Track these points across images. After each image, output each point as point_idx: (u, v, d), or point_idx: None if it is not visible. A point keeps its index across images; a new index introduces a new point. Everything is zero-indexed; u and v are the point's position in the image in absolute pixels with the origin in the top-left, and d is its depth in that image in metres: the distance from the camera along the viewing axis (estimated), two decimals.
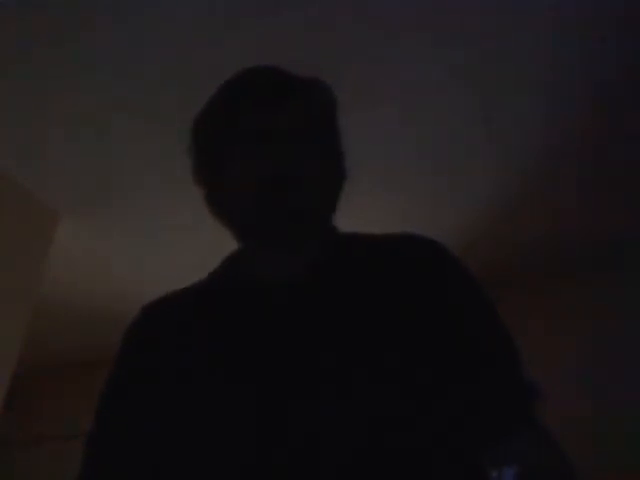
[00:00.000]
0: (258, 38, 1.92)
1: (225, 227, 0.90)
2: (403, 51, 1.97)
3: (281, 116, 0.85)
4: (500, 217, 2.67)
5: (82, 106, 2.12)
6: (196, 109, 2.15)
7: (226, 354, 0.79)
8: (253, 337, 0.80)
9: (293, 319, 0.80)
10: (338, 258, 0.86)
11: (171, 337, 0.85)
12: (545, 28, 1.91)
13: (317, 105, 0.90)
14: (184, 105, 2.05)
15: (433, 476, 0.72)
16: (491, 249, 2.79)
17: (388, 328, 0.77)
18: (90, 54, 1.95)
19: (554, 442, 0.78)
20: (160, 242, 2.77)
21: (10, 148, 2.27)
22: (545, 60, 2.01)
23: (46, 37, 1.89)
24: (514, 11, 1.86)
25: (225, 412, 0.75)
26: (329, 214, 0.90)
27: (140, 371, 0.85)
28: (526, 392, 0.80)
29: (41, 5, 1.81)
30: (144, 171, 2.40)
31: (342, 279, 0.83)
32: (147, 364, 0.85)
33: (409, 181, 2.46)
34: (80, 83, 2.04)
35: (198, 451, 0.75)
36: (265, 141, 0.84)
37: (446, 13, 1.86)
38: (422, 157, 2.36)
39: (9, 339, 2.27)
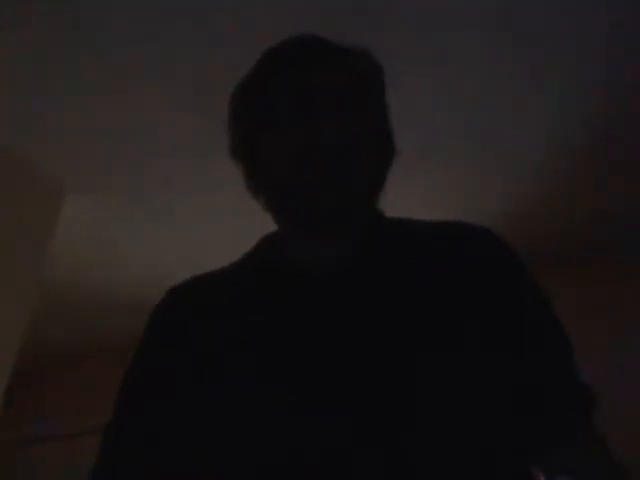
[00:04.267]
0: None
1: (264, 208, 0.89)
2: (436, 18, 1.95)
3: (322, 84, 0.85)
4: (547, 193, 2.64)
5: (97, 73, 2.11)
6: (211, 75, 2.15)
7: (260, 343, 0.78)
8: (289, 325, 0.78)
9: (332, 308, 0.78)
10: (385, 244, 0.85)
11: (202, 322, 0.84)
12: None
13: (361, 74, 0.89)
14: (200, 72, 2.13)
15: None
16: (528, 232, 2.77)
17: (435, 323, 0.75)
18: (92, 20, 1.94)
19: (611, 453, 0.77)
20: (177, 219, 2.75)
21: (11, 119, 2.25)
22: (600, 19, 1.97)
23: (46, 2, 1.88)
24: None
25: (257, 405, 0.74)
26: (374, 191, 0.88)
27: (166, 358, 0.84)
28: (584, 398, 0.79)
29: None
30: (159, 140, 2.37)
31: (388, 267, 0.82)
32: (174, 350, 0.84)
33: (443, 156, 2.46)
34: (86, 50, 2.03)
35: (223, 444, 0.75)
36: (304, 110, 0.83)
37: None
38: (454, 129, 2.35)
39: (10, 330, 2.25)
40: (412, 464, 0.67)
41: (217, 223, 2.72)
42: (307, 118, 0.82)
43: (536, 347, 0.79)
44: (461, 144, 2.37)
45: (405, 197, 2.41)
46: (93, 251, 2.90)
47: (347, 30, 1.94)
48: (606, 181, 2.56)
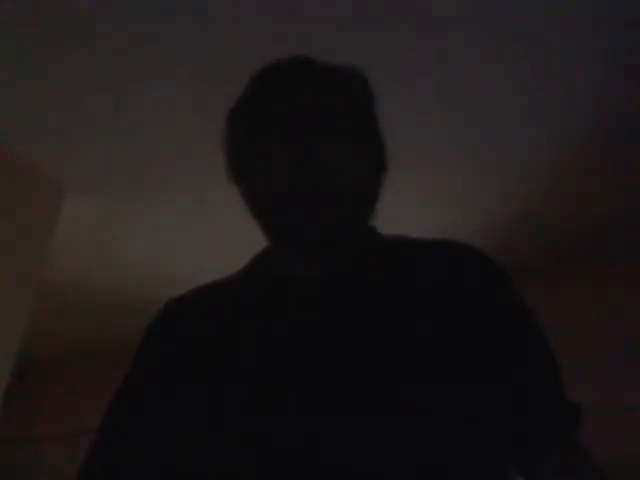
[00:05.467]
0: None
1: (257, 224, 0.90)
2: (436, 18, 1.94)
3: (309, 105, 0.86)
4: (547, 193, 2.63)
5: (97, 73, 2.11)
6: (211, 75, 2.14)
7: (258, 352, 0.80)
8: (284, 335, 0.80)
9: (326, 319, 0.80)
10: (378, 261, 0.86)
11: (202, 330, 0.86)
12: None
13: (349, 95, 0.90)
14: (200, 72, 2.12)
15: None
16: (525, 236, 2.76)
17: (421, 341, 0.76)
18: (92, 20, 1.93)
19: (598, 468, 0.80)
20: (177, 220, 2.74)
21: (10, 117, 2.24)
22: (600, 27, 1.96)
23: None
24: None
25: (256, 407, 0.75)
26: (364, 210, 0.89)
27: (161, 370, 0.85)
28: (569, 413, 0.82)
29: None
30: (159, 140, 2.37)
31: (381, 283, 0.83)
32: (169, 363, 0.85)
33: (442, 156, 2.44)
34: (86, 50, 2.02)
35: (223, 447, 0.75)
36: (291, 136, 0.84)
37: None
38: (455, 131, 2.34)
39: (10, 330, 2.24)
40: (405, 466, 0.68)
41: (217, 223, 2.70)
42: (295, 142, 0.82)
43: (524, 365, 0.81)
44: (461, 144, 2.36)
45: (405, 197, 2.40)
46: (93, 251, 2.89)
47: (347, 30, 1.97)
48: (606, 181, 2.55)
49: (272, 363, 0.78)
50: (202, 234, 2.79)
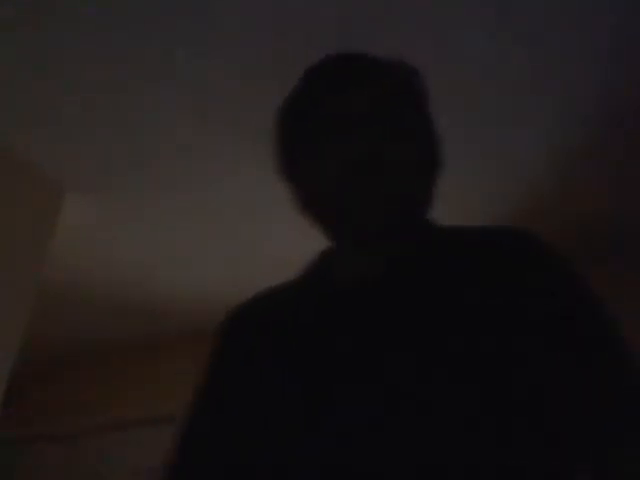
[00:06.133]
0: None
1: (314, 224, 0.90)
2: (436, 18, 1.95)
3: (362, 101, 0.85)
4: (547, 193, 2.62)
5: (97, 73, 2.11)
6: (211, 75, 2.13)
7: (310, 361, 0.81)
8: (334, 342, 0.80)
9: (374, 323, 0.80)
10: (430, 258, 0.85)
11: (264, 341, 0.88)
12: None
13: (401, 88, 0.90)
14: (200, 72, 2.12)
15: None
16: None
17: (474, 338, 0.75)
18: (92, 20, 1.93)
19: None
20: (177, 220, 2.74)
21: (10, 117, 2.24)
22: (600, 27, 1.97)
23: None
24: None
25: (298, 407, 0.77)
26: (421, 204, 0.88)
27: (231, 373, 0.90)
28: (620, 416, 0.75)
29: None
30: (159, 140, 2.37)
31: (430, 283, 0.81)
32: (238, 366, 0.89)
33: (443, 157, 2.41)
34: (86, 50, 2.02)
35: (273, 456, 0.77)
36: (345, 127, 0.83)
37: None
38: (455, 131, 2.32)
39: (10, 330, 2.24)
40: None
41: (217, 223, 2.67)
42: (346, 142, 0.82)
43: (587, 357, 0.77)
44: (461, 145, 2.36)
45: None
46: (93, 251, 2.89)
47: (347, 30, 1.97)
48: (606, 181, 2.54)
49: (303, 367, 0.79)
50: (202, 234, 2.78)
